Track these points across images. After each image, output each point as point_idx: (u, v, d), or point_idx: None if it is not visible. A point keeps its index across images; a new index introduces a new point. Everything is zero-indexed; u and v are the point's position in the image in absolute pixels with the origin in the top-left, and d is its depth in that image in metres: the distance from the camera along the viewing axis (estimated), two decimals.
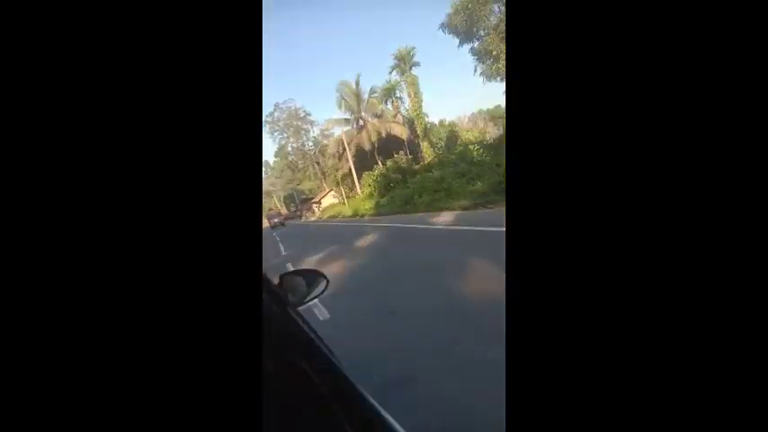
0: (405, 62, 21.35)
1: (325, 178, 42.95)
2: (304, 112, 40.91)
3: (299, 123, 40.82)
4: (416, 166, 20.23)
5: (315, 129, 41.96)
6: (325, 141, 41.50)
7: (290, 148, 42.86)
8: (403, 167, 20.32)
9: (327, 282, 1.07)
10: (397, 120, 26.15)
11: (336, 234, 11.52)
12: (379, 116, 26.46)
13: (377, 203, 18.22)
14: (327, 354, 0.48)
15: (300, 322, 0.53)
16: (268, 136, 41.44)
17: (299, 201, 46.37)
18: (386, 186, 19.60)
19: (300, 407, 0.42)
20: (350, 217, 21.02)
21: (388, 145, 26.27)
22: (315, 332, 0.56)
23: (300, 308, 0.87)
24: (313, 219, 34.07)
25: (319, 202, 36.61)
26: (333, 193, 36.17)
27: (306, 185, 61.22)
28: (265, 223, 26.90)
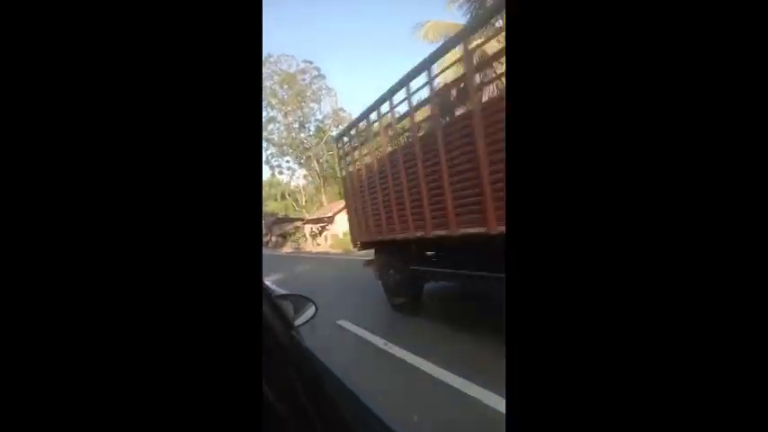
0: None
1: (324, 185, 26.67)
2: (315, 70, 25.00)
3: (302, 88, 24.74)
4: None
5: (328, 101, 26.04)
6: (340, 123, 25.90)
7: (273, 133, 26.27)
8: None
9: (317, 308, 1.02)
10: None
11: None
12: None
13: None
14: (326, 379, 0.47)
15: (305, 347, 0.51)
16: None
17: (270, 224, 29.03)
18: None
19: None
20: None
21: None
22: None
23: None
24: (312, 251, 17.62)
25: (330, 221, 20.09)
26: None
27: (273, 206, 43.60)
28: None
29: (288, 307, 0.94)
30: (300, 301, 1.01)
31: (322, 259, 12.77)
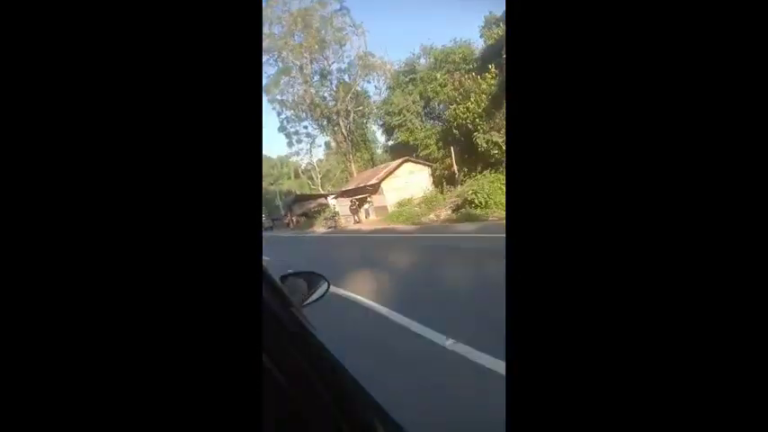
0: None
1: (352, 154, 21.99)
2: (337, 2, 19.82)
3: (321, 26, 19.71)
4: None
5: (355, 42, 21.04)
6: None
7: (287, 91, 21.43)
8: None
9: (329, 284, 1.08)
10: None
11: None
12: None
13: None
14: (329, 353, 0.47)
15: (304, 322, 0.52)
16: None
17: (290, 202, 24.57)
18: None
19: (299, 406, 0.43)
20: None
21: None
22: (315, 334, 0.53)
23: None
24: (363, 229, 13.15)
25: (374, 191, 15.54)
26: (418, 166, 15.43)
27: (288, 185, 38.94)
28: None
29: (301, 285, 1.02)
30: (312, 278, 1.07)
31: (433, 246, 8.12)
